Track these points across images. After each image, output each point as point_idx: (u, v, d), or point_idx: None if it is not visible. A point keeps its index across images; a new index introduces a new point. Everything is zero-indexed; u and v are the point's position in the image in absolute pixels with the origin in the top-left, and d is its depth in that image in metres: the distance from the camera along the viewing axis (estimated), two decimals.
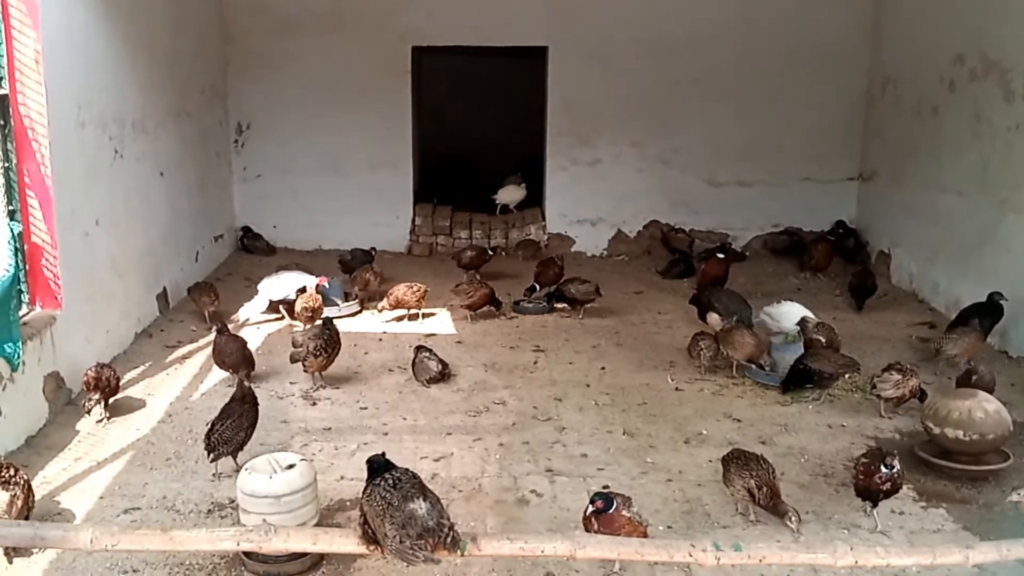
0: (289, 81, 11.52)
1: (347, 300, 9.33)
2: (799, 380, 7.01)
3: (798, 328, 7.71)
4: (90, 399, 6.41)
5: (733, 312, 8.02)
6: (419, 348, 7.51)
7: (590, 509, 4.55)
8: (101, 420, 6.46)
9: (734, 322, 7.71)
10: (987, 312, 7.77)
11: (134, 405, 6.84)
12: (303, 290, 8.76)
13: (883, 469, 5.06)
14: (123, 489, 5.60)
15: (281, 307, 8.88)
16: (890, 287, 10.23)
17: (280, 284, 8.93)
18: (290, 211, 11.88)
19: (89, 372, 6.46)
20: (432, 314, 9.14)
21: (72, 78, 7.05)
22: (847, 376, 7.28)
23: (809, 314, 7.80)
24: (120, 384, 6.72)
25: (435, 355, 7.41)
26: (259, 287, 8.99)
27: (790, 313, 7.87)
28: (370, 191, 11.87)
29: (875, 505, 5.21)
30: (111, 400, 6.58)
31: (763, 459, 5.23)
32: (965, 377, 6.62)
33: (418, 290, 8.89)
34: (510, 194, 12.49)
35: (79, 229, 7.18)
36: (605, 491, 4.68)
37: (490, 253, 10.65)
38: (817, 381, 6.96)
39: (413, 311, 8.98)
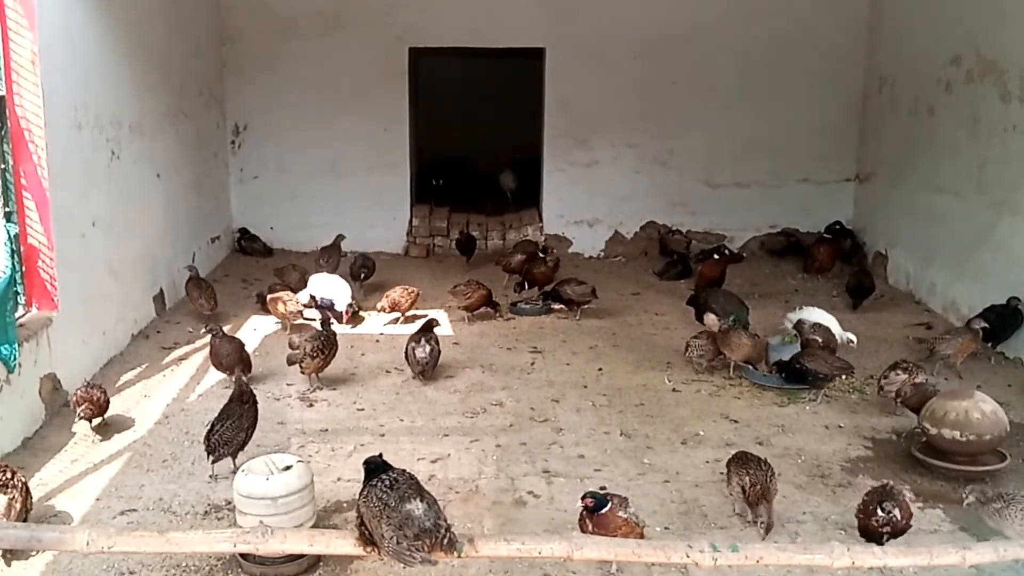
0: (286, 82, 11.52)
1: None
2: (795, 379, 7.04)
3: (794, 330, 7.72)
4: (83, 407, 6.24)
5: (730, 313, 8.02)
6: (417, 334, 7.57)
7: (579, 505, 4.56)
8: (92, 440, 6.25)
9: (731, 322, 7.72)
10: (1009, 319, 7.77)
11: (125, 423, 6.57)
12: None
13: (879, 512, 4.66)
14: (120, 491, 5.60)
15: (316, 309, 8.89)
16: (887, 288, 10.24)
17: (328, 284, 8.94)
18: (287, 212, 11.89)
19: (78, 392, 6.24)
20: (423, 316, 9.10)
21: (69, 80, 7.04)
22: (844, 377, 7.31)
23: (835, 322, 7.73)
24: (109, 402, 6.40)
25: (429, 341, 7.44)
26: (312, 279, 9.06)
27: (818, 319, 7.79)
28: (367, 192, 11.87)
29: (880, 544, 4.69)
30: (98, 420, 6.31)
31: (765, 462, 5.23)
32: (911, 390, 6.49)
33: (412, 293, 8.92)
34: (508, 180, 13.09)
35: (76, 231, 7.17)
36: (601, 492, 4.67)
37: (541, 254, 10.27)
38: (812, 381, 6.98)
39: (409, 313, 9.00)
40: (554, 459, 6.09)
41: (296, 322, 8.68)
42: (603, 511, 4.49)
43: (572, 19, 11.45)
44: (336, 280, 9.04)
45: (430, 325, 7.69)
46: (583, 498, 4.54)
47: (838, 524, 5.28)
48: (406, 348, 7.50)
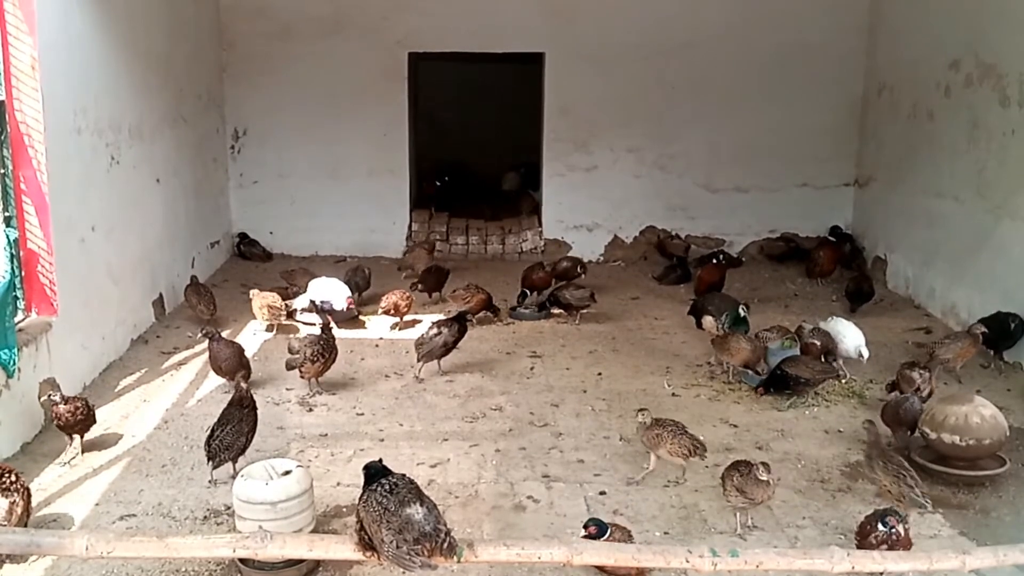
0: (286, 87, 11.53)
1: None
2: (777, 385, 7.07)
3: (794, 335, 7.72)
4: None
5: (724, 311, 8.00)
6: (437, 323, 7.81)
7: (582, 533, 4.51)
8: (75, 458, 6.02)
9: (726, 320, 7.71)
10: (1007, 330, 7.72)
11: (111, 440, 6.38)
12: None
13: (880, 527, 4.45)
14: (119, 496, 5.59)
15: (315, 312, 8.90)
16: (886, 292, 10.24)
17: (325, 287, 8.95)
18: (287, 217, 11.89)
19: (59, 407, 5.94)
20: (419, 320, 9.12)
21: (68, 84, 7.05)
22: (843, 381, 7.32)
23: (860, 335, 7.65)
24: (93, 416, 6.16)
25: (440, 326, 7.63)
26: (311, 284, 9.04)
27: (842, 331, 7.71)
28: (367, 197, 11.88)
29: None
30: (84, 436, 6.12)
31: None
32: (893, 406, 6.37)
33: (408, 297, 8.90)
34: (510, 181, 13.33)
35: (75, 235, 7.18)
36: (607, 523, 4.60)
37: (579, 270, 10.12)
38: (794, 386, 7.00)
39: (408, 318, 9.00)
40: (554, 464, 6.08)
41: (282, 321, 8.74)
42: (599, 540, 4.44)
43: (571, 24, 11.46)
44: (333, 282, 9.04)
45: (459, 316, 7.86)
46: (587, 527, 4.51)
47: (838, 529, 5.27)
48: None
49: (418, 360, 7.60)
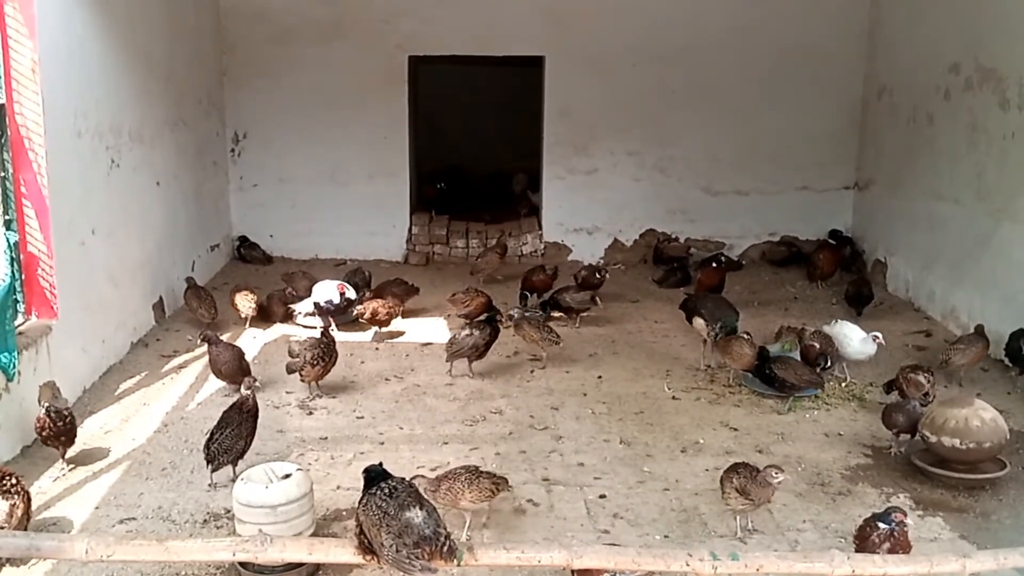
0: (286, 91, 11.53)
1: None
2: (766, 383, 7.14)
3: (795, 338, 7.73)
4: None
5: (718, 319, 8.00)
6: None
7: None
8: (62, 473, 5.90)
9: (718, 329, 7.72)
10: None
11: (110, 444, 6.37)
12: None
13: (880, 525, 4.38)
14: (119, 499, 5.59)
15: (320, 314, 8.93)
16: (886, 296, 10.24)
17: (325, 289, 8.97)
18: (287, 220, 11.89)
19: (47, 415, 5.78)
20: (402, 332, 9.03)
21: (69, 87, 7.05)
22: (843, 384, 7.33)
23: (863, 339, 7.60)
24: (75, 427, 6.00)
25: (472, 327, 7.74)
26: (314, 288, 9.05)
27: (848, 334, 7.66)
28: (367, 200, 11.88)
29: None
30: (67, 451, 5.98)
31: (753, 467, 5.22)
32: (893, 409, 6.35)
33: (388, 305, 8.78)
34: (519, 182, 13.30)
35: (75, 238, 7.18)
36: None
37: (597, 277, 9.89)
38: (779, 388, 7.05)
39: (394, 328, 8.95)
40: (553, 467, 6.08)
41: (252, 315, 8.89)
42: None
43: (571, 27, 11.47)
44: (332, 282, 9.05)
45: (491, 318, 7.94)
46: None
47: (838, 532, 5.27)
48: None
49: (447, 360, 7.68)
